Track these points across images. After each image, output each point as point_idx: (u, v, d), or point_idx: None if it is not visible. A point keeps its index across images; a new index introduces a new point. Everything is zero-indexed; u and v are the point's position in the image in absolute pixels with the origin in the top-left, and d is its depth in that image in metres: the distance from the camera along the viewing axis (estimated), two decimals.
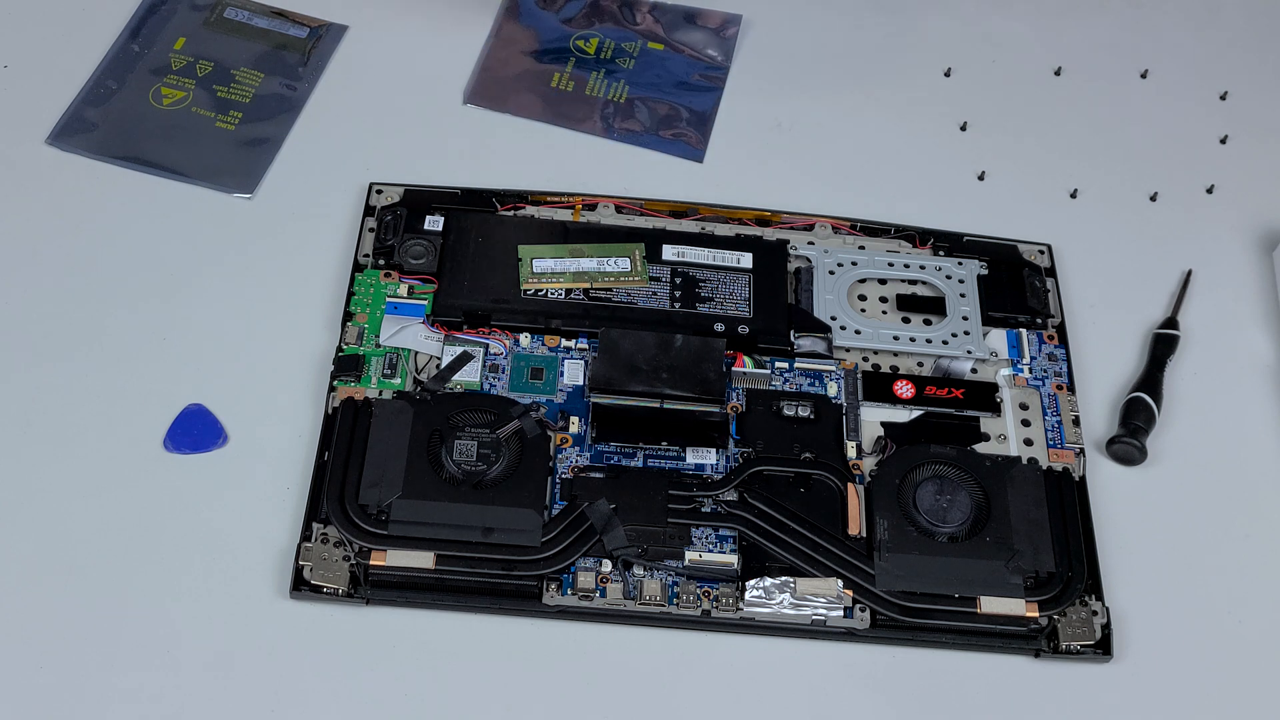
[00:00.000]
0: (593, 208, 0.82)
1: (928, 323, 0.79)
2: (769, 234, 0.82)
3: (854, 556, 0.69)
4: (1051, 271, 0.82)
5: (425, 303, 0.76)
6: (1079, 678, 0.69)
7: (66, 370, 0.74)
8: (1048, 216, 0.86)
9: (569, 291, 0.77)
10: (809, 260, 0.81)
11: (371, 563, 0.67)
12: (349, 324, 0.75)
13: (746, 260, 0.79)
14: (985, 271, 0.81)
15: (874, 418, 0.75)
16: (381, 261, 0.78)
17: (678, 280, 0.78)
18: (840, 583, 0.68)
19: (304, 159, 0.84)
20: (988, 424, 0.75)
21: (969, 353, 0.78)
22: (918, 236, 0.83)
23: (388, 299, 0.76)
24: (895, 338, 0.78)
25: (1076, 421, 0.76)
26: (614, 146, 0.87)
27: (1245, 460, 0.77)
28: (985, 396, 0.76)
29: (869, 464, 0.73)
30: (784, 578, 0.68)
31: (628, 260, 0.79)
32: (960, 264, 0.81)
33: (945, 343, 0.78)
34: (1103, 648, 0.69)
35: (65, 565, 0.68)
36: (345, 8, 0.92)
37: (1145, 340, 0.81)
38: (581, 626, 0.68)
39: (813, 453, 0.72)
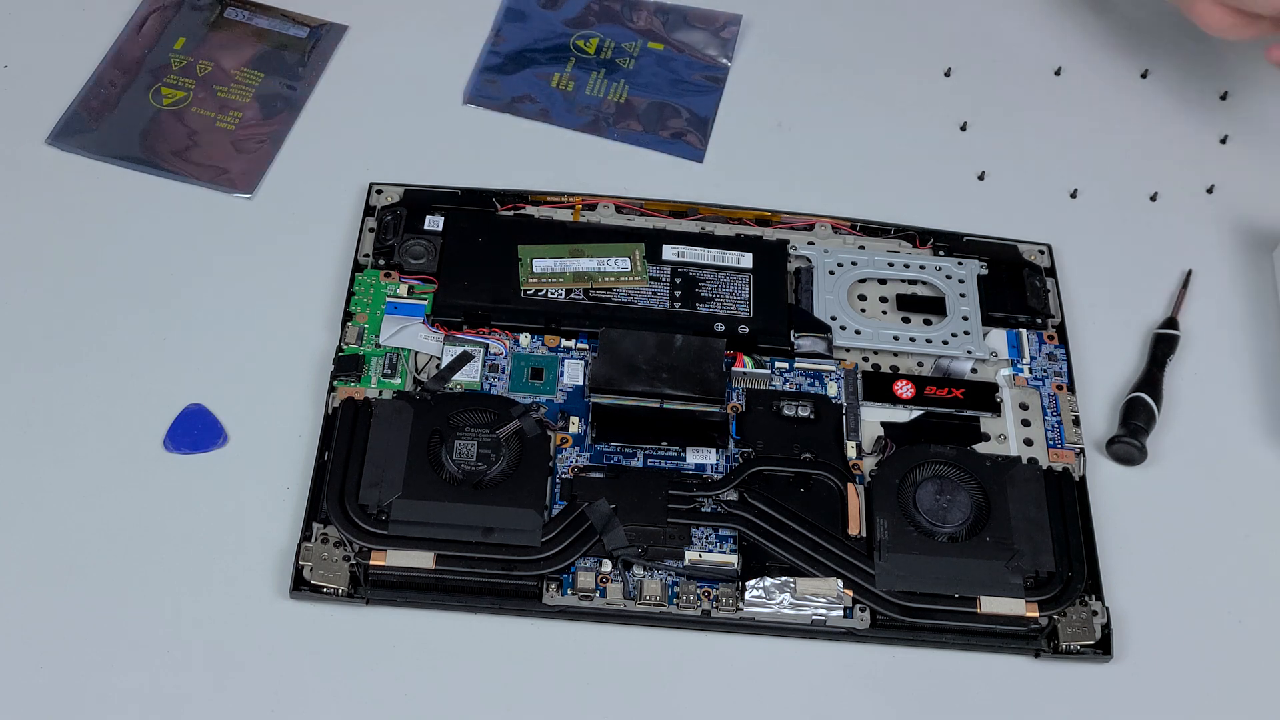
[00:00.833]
0: (593, 208, 0.82)
1: (928, 323, 0.79)
2: (769, 234, 0.82)
3: (854, 556, 0.69)
4: (1051, 271, 0.82)
5: (425, 303, 0.76)
6: (1079, 678, 0.69)
7: (66, 370, 0.74)
8: (1048, 216, 0.86)
9: (569, 291, 0.77)
10: (809, 260, 0.81)
11: (371, 563, 0.67)
12: (349, 324, 0.75)
13: (746, 260, 0.79)
14: (985, 271, 0.81)
15: (874, 418, 0.75)
16: (381, 261, 0.78)
17: (678, 280, 0.78)
18: (840, 583, 0.68)
19: (304, 159, 0.84)
20: (988, 424, 0.75)
21: (969, 353, 0.78)
22: (918, 236, 0.83)
23: (388, 299, 0.76)
24: (895, 338, 0.78)
25: (1076, 421, 0.76)
26: (614, 146, 0.87)
27: (1245, 460, 0.77)
28: (985, 396, 0.76)
29: (869, 464, 0.73)
30: (784, 578, 0.68)
31: (628, 260, 0.79)
32: (960, 264, 0.81)
33: (945, 343, 0.78)
34: (1103, 648, 0.69)
35: (65, 565, 0.68)
36: (345, 8, 0.92)
37: (1145, 340, 0.81)
38: (581, 626, 0.68)
39: (813, 453, 0.72)
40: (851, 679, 0.68)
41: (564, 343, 0.76)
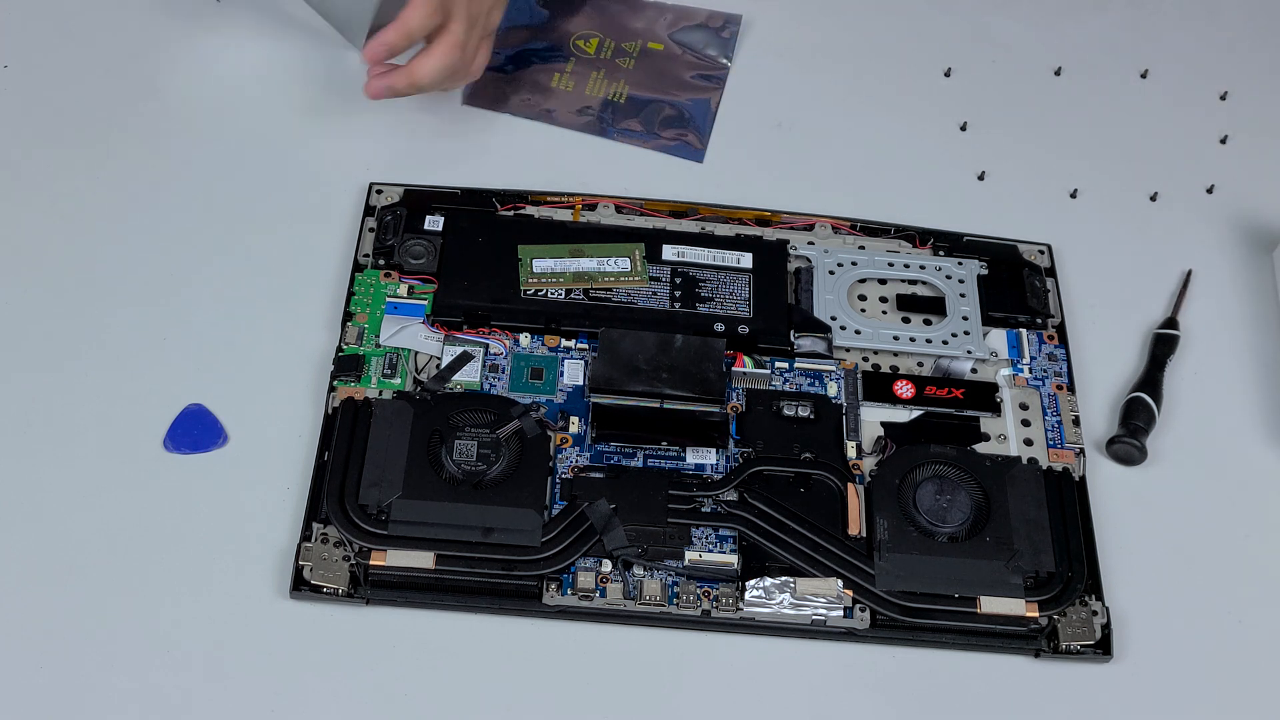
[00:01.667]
0: (593, 208, 0.82)
1: (928, 323, 0.79)
2: (769, 234, 0.82)
3: (854, 556, 0.69)
4: (1051, 271, 0.82)
5: (425, 303, 0.76)
6: (1079, 678, 0.69)
7: (66, 370, 0.74)
8: (1048, 216, 0.86)
9: (569, 291, 0.77)
10: (809, 260, 0.81)
11: (371, 563, 0.67)
12: (349, 324, 0.75)
13: (746, 260, 0.79)
14: (985, 271, 0.81)
15: (874, 418, 0.75)
16: (381, 261, 0.78)
17: (678, 280, 0.78)
18: (840, 583, 0.68)
19: (304, 159, 0.84)
20: (988, 424, 0.75)
21: (969, 353, 0.78)
22: (918, 236, 0.83)
23: (388, 299, 0.76)
24: (895, 338, 0.78)
25: (1076, 421, 0.76)
26: (614, 146, 0.87)
27: (1245, 460, 0.77)
28: (985, 396, 0.76)
29: (869, 464, 0.73)
30: (784, 578, 0.68)
31: (628, 260, 0.79)
32: (960, 264, 0.81)
33: (945, 343, 0.78)
34: (1103, 648, 0.69)
35: (65, 565, 0.68)
36: None
37: (1145, 340, 0.81)
38: (581, 626, 0.68)
39: (813, 453, 0.72)
40: (851, 679, 0.68)
41: (564, 343, 0.76)
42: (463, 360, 0.74)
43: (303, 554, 0.67)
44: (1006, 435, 0.75)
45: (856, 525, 0.70)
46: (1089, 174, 0.89)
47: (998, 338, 0.79)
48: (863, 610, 0.68)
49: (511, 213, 0.81)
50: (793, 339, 0.77)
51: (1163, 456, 0.76)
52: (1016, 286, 0.81)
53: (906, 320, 0.79)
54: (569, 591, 0.67)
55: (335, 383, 0.73)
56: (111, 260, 0.78)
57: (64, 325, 0.76)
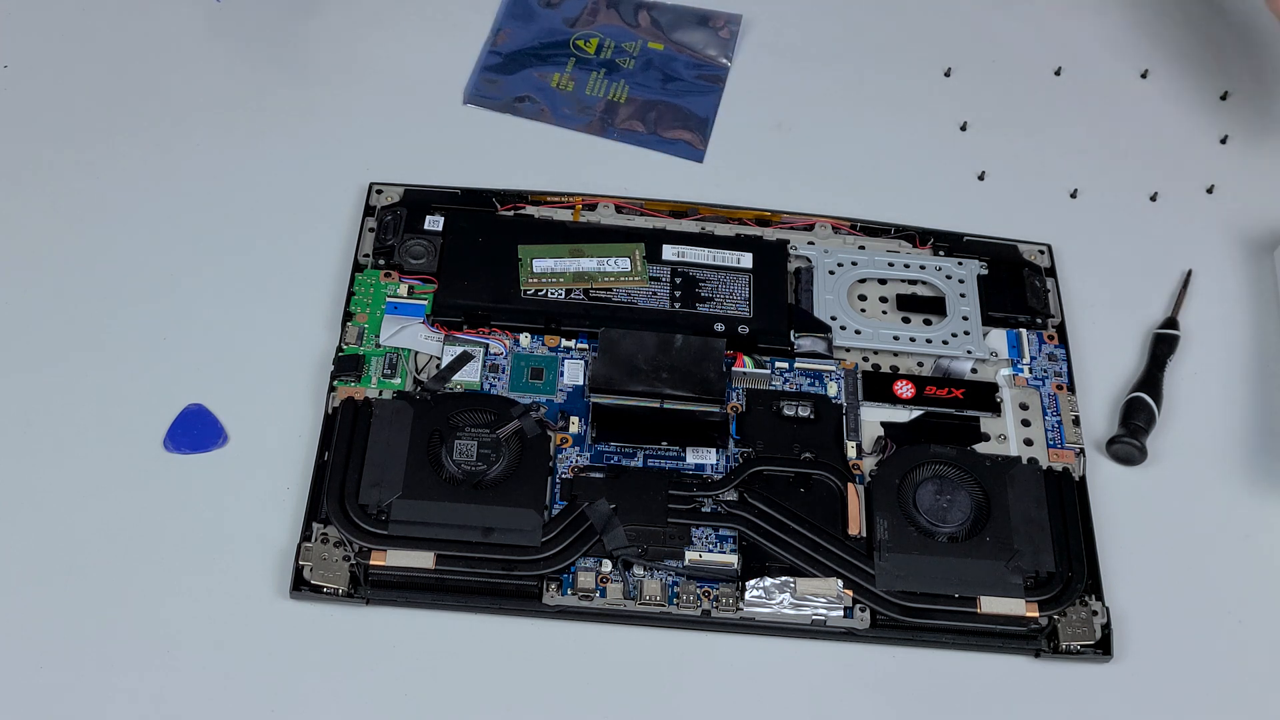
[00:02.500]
0: (593, 208, 0.82)
1: (928, 323, 0.79)
2: (769, 234, 0.82)
3: (854, 556, 0.69)
4: (1051, 271, 0.82)
5: (425, 303, 0.76)
6: (1079, 678, 0.69)
7: (66, 370, 0.74)
8: (1048, 216, 0.86)
9: (569, 291, 0.77)
10: (809, 260, 0.81)
11: (371, 563, 0.67)
12: (349, 324, 0.75)
13: (746, 260, 0.79)
14: (985, 271, 0.81)
15: (874, 418, 0.75)
16: (381, 261, 0.78)
17: (678, 280, 0.78)
18: (840, 583, 0.68)
19: (304, 159, 0.84)
20: (988, 424, 0.75)
21: (969, 353, 0.78)
22: (918, 236, 0.83)
23: (388, 299, 0.76)
24: (895, 338, 0.78)
25: (1076, 421, 0.76)
26: (614, 146, 0.87)
27: (1245, 460, 0.77)
28: (985, 396, 0.76)
29: (869, 464, 0.73)
30: (784, 578, 0.68)
31: (628, 260, 0.79)
32: (960, 264, 0.81)
33: (945, 343, 0.78)
34: (1103, 648, 0.69)
35: (65, 565, 0.68)
36: (346, 9, 0.92)
37: (1145, 340, 0.81)
38: (581, 626, 0.68)
39: (813, 453, 0.72)
40: (851, 679, 0.68)
41: (564, 343, 0.76)
42: (463, 360, 0.74)
43: (303, 554, 0.67)
44: (1006, 435, 0.75)
45: (856, 525, 0.70)
46: (1089, 174, 0.89)
47: (998, 338, 0.79)
48: (863, 610, 0.68)
49: (511, 213, 0.81)
50: (793, 339, 0.77)
51: (1163, 456, 0.76)
52: (1016, 286, 0.81)
53: (906, 320, 0.79)
54: (569, 591, 0.67)
55: (335, 383, 0.73)
56: (111, 260, 0.78)
57: (64, 325, 0.76)
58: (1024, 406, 0.76)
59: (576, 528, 0.69)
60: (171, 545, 0.69)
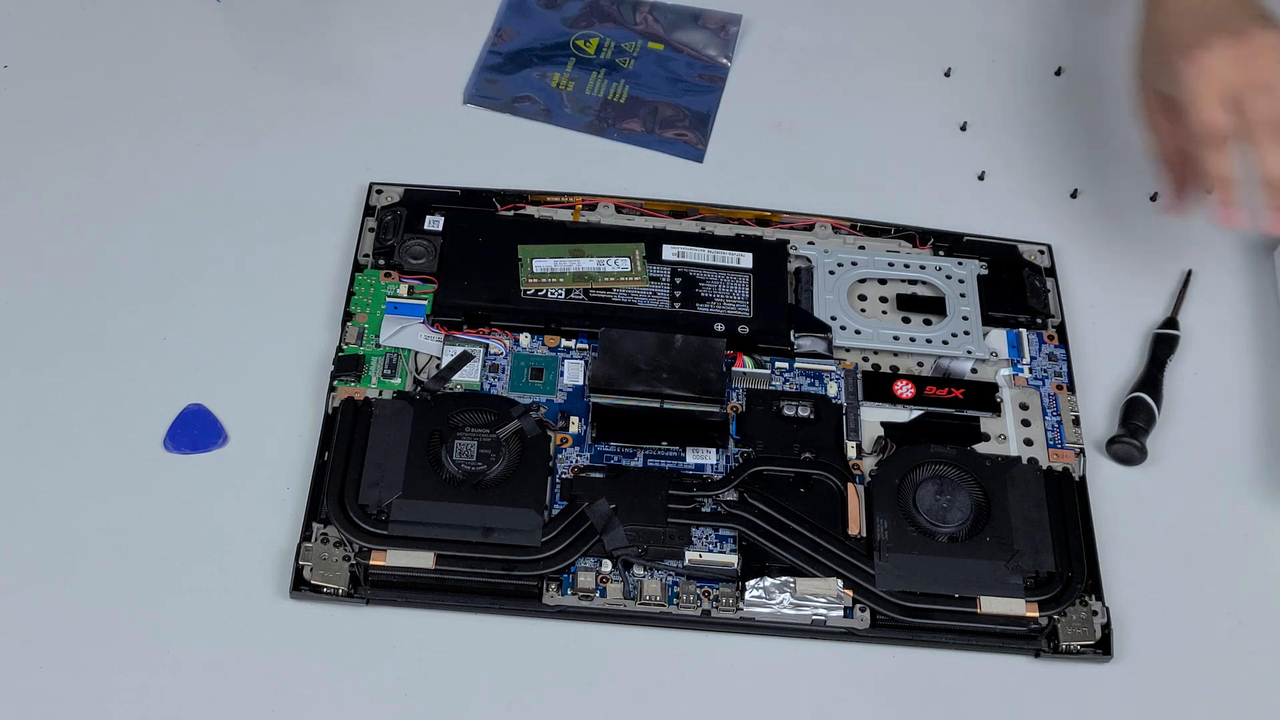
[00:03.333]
0: (593, 208, 0.82)
1: (928, 323, 0.79)
2: (769, 234, 0.82)
3: (854, 556, 0.69)
4: (1051, 271, 0.82)
5: (425, 303, 0.76)
6: (1079, 678, 0.69)
7: (67, 370, 0.74)
8: (1048, 216, 0.86)
9: (569, 291, 0.77)
10: (809, 260, 0.81)
11: (371, 563, 0.67)
12: (349, 324, 0.75)
13: (746, 260, 0.79)
14: (985, 271, 0.81)
15: (874, 418, 0.75)
16: (381, 261, 0.78)
17: (678, 280, 0.78)
18: (840, 583, 0.68)
19: (304, 159, 0.84)
20: (988, 424, 0.75)
21: (969, 353, 0.78)
22: (918, 236, 0.83)
23: (388, 299, 0.76)
24: (895, 338, 0.78)
25: (1076, 421, 0.76)
26: (614, 146, 0.87)
27: (1245, 460, 0.77)
28: (985, 396, 0.76)
29: (869, 464, 0.73)
30: (784, 578, 0.68)
31: (628, 260, 0.79)
32: (960, 264, 0.81)
33: (945, 343, 0.78)
34: (1103, 648, 0.69)
35: (65, 565, 0.68)
36: (346, 9, 0.92)
37: (1145, 340, 0.81)
38: (581, 626, 0.68)
39: (813, 453, 0.72)
40: (851, 679, 0.68)
41: (564, 343, 0.76)
42: (463, 360, 0.74)
43: (303, 554, 0.67)
44: (1006, 435, 0.75)
45: (856, 525, 0.70)
46: (1089, 174, 0.89)
47: (998, 338, 0.79)
48: (863, 610, 0.68)
49: (511, 213, 0.81)
50: (793, 339, 0.77)
51: (1163, 456, 0.76)
52: (1016, 286, 0.81)
53: (906, 320, 0.79)
54: (569, 591, 0.67)
55: (335, 383, 0.73)
56: (112, 260, 0.78)
57: (64, 325, 0.76)
58: (1024, 406, 0.76)
59: (576, 528, 0.69)
60: (171, 545, 0.69)
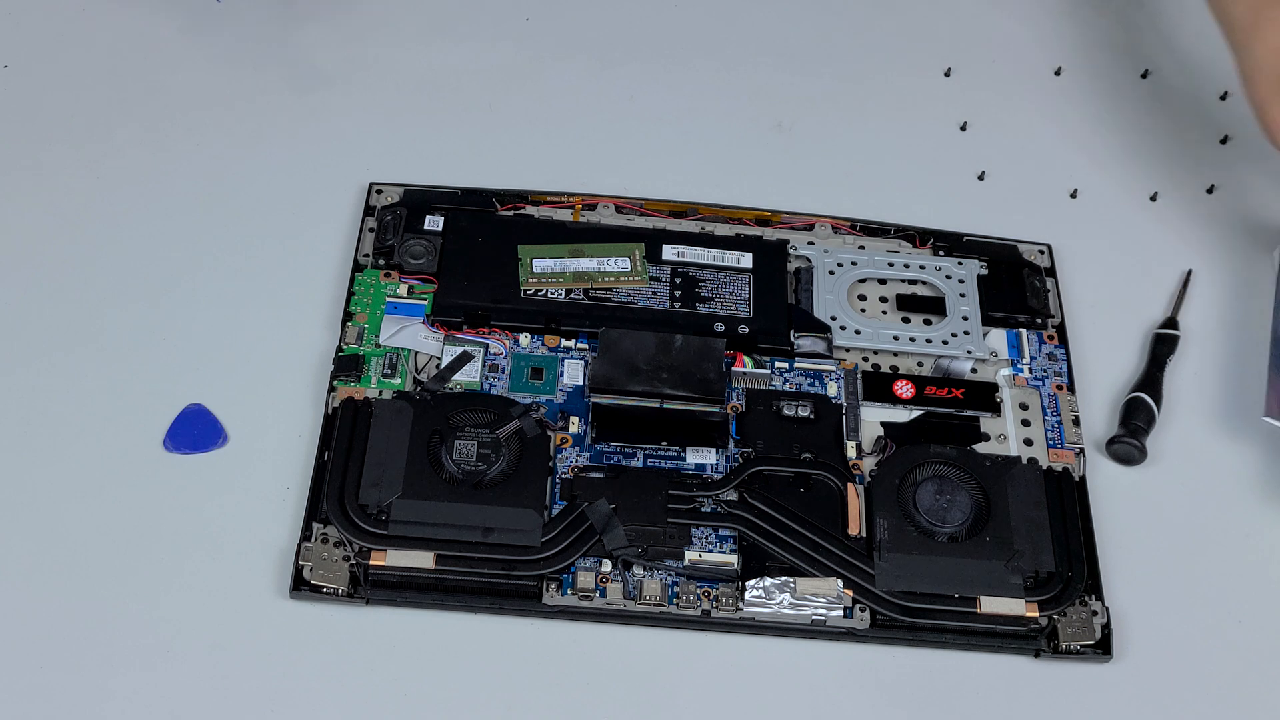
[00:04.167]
0: (593, 208, 0.82)
1: (928, 323, 0.79)
2: (769, 234, 0.82)
3: (854, 556, 0.69)
4: (1051, 271, 0.82)
5: (425, 303, 0.76)
6: (1079, 678, 0.69)
7: (66, 369, 0.74)
8: (1048, 216, 0.86)
9: (569, 291, 0.77)
10: (809, 260, 0.81)
11: (371, 563, 0.67)
12: (349, 324, 0.75)
13: (746, 260, 0.79)
14: (985, 271, 0.81)
15: (874, 418, 0.75)
16: (381, 261, 0.78)
17: (678, 280, 0.78)
18: (840, 583, 0.68)
19: (304, 159, 0.84)
20: (988, 424, 0.75)
21: (969, 353, 0.78)
22: (918, 236, 0.83)
23: (388, 299, 0.76)
24: (895, 338, 0.78)
25: (1076, 421, 0.76)
26: (614, 146, 0.87)
27: (1245, 460, 0.77)
28: (985, 396, 0.76)
29: (869, 464, 0.73)
30: (784, 578, 0.68)
31: (628, 260, 0.79)
32: (960, 264, 0.81)
33: (945, 343, 0.78)
34: (1103, 648, 0.69)
35: (65, 565, 0.68)
36: (345, 9, 0.92)
37: (1145, 340, 0.81)
38: (581, 626, 0.68)
39: (813, 453, 0.72)
40: (851, 679, 0.68)
41: (564, 343, 0.76)
42: (463, 360, 0.74)
43: (303, 554, 0.67)
44: (1006, 435, 0.75)
45: (856, 525, 0.70)
46: (1089, 174, 0.89)
47: (998, 338, 0.79)
48: (863, 610, 0.68)
49: (511, 213, 0.81)
50: (793, 339, 0.77)
51: (1163, 456, 0.76)
52: (1016, 286, 0.81)
53: (906, 320, 0.79)
54: (569, 591, 0.67)
55: (335, 383, 0.73)
56: (111, 260, 0.78)
57: (63, 324, 0.76)
58: (1024, 406, 0.76)
59: (576, 528, 0.69)
60: (171, 545, 0.69)
